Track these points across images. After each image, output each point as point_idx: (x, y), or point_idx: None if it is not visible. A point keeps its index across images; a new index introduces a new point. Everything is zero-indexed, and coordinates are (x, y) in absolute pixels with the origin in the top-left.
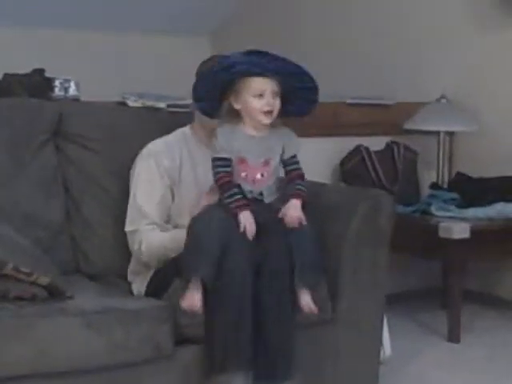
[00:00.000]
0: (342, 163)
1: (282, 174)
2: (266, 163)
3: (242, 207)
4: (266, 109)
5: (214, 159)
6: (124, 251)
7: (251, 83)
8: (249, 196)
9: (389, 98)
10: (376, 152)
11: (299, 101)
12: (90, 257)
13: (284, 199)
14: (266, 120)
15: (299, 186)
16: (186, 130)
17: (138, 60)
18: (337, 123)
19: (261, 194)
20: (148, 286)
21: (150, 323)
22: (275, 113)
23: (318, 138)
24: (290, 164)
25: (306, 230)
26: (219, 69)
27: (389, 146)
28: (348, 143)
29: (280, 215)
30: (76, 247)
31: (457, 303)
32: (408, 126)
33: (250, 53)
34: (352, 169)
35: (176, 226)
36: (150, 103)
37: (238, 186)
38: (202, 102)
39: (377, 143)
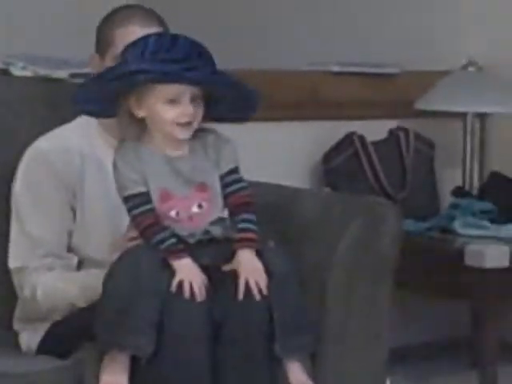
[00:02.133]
0: (326, 159)
1: None
2: (201, 189)
3: (178, 254)
4: (183, 120)
5: (125, 199)
6: (7, 288)
7: (160, 87)
8: (191, 241)
9: (392, 64)
10: (375, 143)
11: (233, 100)
12: None
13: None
14: (183, 134)
15: (245, 225)
16: (88, 119)
17: (25, 7)
18: (317, 101)
19: (207, 232)
20: (43, 341)
21: None
22: (196, 124)
23: (290, 122)
24: (229, 183)
25: (282, 268)
26: (113, 77)
27: (393, 135)
28: (334, 130)
29: (225, 269)
30: None
31: (492, 360)
32: (421, 105)
33: (162, 60)
34: (340, 167)
35: (80, 259)
36: (44, 72)
37: (169, 229)
38: (89, 103)
39: (376, 130)
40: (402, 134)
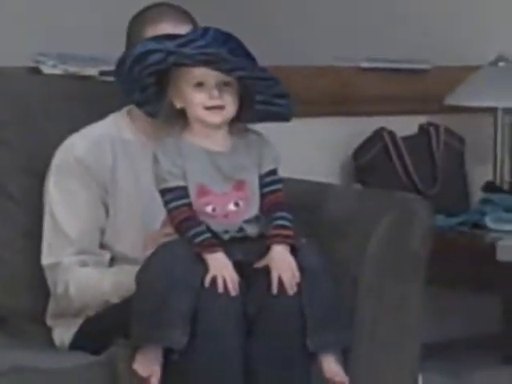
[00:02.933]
0: (356, 155)
1: None
2: (240, 187)
3: (211, 248)
4: (210, 104)
5: (163, 192)
6: (41, 285)
7: (187, 69)
8: (225, 238)
9: (422, 60)
10: (405, 138)
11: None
12: None
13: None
14: (213, 118)
15: (281, 222)
16: (120, 116)
17: (58, 5)
18: (347, 97)
19: (241, 229)
20: (76, 336)
21: None
22: (230, 110)
23: (321, 118)
24: (267, 184)
25: (315, 264)
26: (130, 61)
27: (423, 130)
28: (364, 126)
29: (258, 266)
30: None
31: None
32: (451, 100)
33: (180, 44)
34: (370, 163)
35: (112, 255)
36: (74, 69)
37: (204, 223)
38: (143, 105)
39: (406, 126)
40: (432, 130)
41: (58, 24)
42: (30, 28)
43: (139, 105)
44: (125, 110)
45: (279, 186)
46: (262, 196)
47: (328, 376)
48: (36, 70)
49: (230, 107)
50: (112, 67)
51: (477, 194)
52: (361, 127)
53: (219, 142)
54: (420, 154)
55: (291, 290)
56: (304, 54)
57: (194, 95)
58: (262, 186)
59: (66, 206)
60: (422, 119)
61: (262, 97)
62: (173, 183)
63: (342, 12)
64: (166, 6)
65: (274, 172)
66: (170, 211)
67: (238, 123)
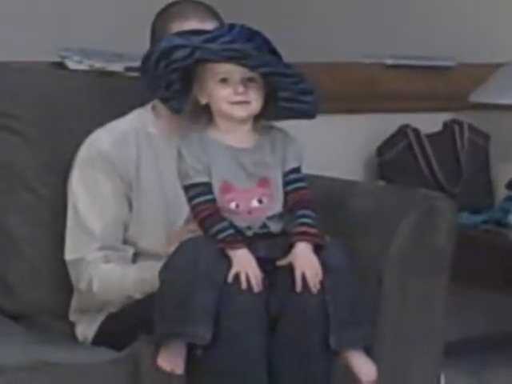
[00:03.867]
0: (380, 152)
1: None
2: (263, 184)
3: (234, 244)
4: (235, 99)
5: (186, 188)
6: (64, 280)
7: (211, 65)
8: (248, 234)
9: (447, 57)
10: (429, 136)
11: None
12: (14, 288)
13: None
14: (238, 112)
15: (305, 220)
16: (145, 111)
17: (79, 1)
18: (372, 94)
19: (264, 225)
20: (98, 332)
21: None
22: (254, 105)
23: (345, 115)
24: (291, 182)
25: (339, 262)
26: (156, 56)
27: (448, 127)
28: (388, 123)
29: (281, 264)
30: None
31: None
32: (476, 97)
33: (206, 39)
34: (394, 160)
35: (136, 251)
36: (100, 65)
37: (227, 219)
38: (168, 101)
39: (430, 123)
40: (456, 127)
41: (84, 19)
42: (55, 24)
43: (164, 101)
44: (149, 105)
45: (302, 183)
46: (286, 194)
47: (357, 370)
48: (61, 65)
49: (255, 103)
50: (137, 63)
51: (501, 192)
52: (385, 124)
53: (243, 138)
54: (444, 151)
55: (314, 287)
56: (330, 51)
57: (218, 90)
58: (286, 183)
59: (89, 201)
60: (447, 116)
61: (287, 93)
62: (197, 179)
63: (368, 9)
64: (192, 3)
65: (297, 170)
66: (193, 207)
67: (262, 120)
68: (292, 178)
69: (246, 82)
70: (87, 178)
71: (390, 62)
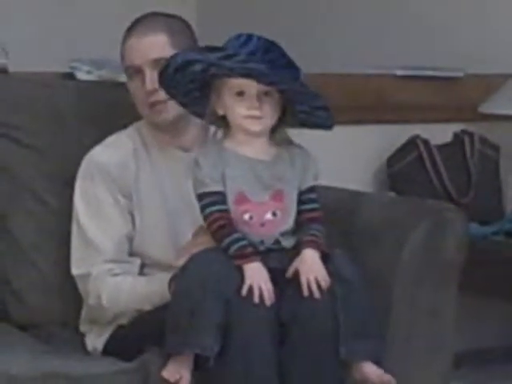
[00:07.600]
0: (390, 163)
1: None
2: (277, 197)
3: (248, 257)
4: (250, 114)
5: (201, 196)
6: (73, 290)
7: (227, 80)
8: (261, 248)
9: (457, 68)
10: (439, 147)
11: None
12: (23, 298)
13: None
14: (253, 126)
15: (313, 231)
16: (142, 124)
17: (90, 11)
18: (381, 105)
19: (277, 241)
20: (108, 343)
21: None
22: (269, 120)
23: (355, 126)
24: (306, 202)
25: (350, 273)
26: (172, 69)
27: (458, 138)
28: (398, 134)
29: (289, 273)
30: (2, 283)
31: None
32: (485, 108)
33: (224, 56)
34: (404, 171)
35: (143, 262)
36: (109, 76)
37: (240, 232)
38: (188, 106)
39: (440, 134)
40: (466, 138)
41: (93, 30)
42: (66, 35)
43: (184, 105)
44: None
45: (316, 205)
46: (299, 212)
47: (374, 378)
48: (70, 76)
49: (269, 118)
50: None
51: (511, 203)
52: (395, 135)
53: (260, 150)
54: (454, 162)
55: (317, 291)
56: (340, 62)
57: (234, 104)
58: (300, 202)
59: (92, 215)
60: (457, 127)
61: (303, 107)
62: (212, 188)
63: (378, 21)
64: (142, 18)
65: (313, 189)
66: (206, 216)
67: (281, 131)
68: (307, 197)
69: (262, 95)
70: (88, 193)
71: (399, 72)
